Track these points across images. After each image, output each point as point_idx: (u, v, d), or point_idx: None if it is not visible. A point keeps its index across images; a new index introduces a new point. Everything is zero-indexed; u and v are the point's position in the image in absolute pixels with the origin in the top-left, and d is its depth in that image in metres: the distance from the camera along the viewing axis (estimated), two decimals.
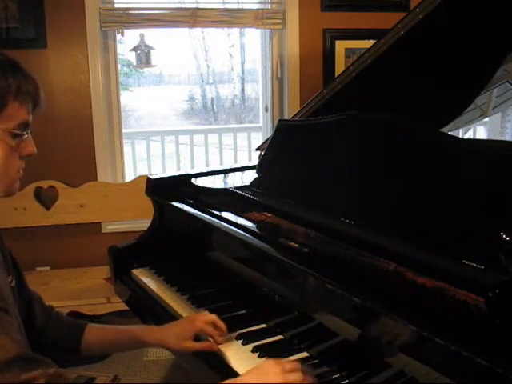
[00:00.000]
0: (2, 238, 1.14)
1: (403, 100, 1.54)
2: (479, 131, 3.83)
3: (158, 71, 9.55)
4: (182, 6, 2.93)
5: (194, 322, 1.25)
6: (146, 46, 3.08)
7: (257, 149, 2.06)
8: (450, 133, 1.78)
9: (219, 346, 1.23)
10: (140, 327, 1.32)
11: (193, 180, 1.87)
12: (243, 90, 9.01)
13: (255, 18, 2.90)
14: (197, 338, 1.25)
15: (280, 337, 1.25)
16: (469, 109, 1.78)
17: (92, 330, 1.28)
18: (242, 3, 3.05)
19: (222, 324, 1.25)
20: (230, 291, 1.48)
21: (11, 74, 0.94)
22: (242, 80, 8.85)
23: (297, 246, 1.25)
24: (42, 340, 1.23)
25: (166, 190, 1.81)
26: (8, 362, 0.79)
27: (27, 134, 1.00)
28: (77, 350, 1.26)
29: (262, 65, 3.15)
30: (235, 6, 3.04)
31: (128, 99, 8.10)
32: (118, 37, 2.86)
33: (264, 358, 1.16)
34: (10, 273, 1.10)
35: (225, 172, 2.05)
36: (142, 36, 3.07)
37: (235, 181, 1.97)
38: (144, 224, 1.94)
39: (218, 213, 1.56)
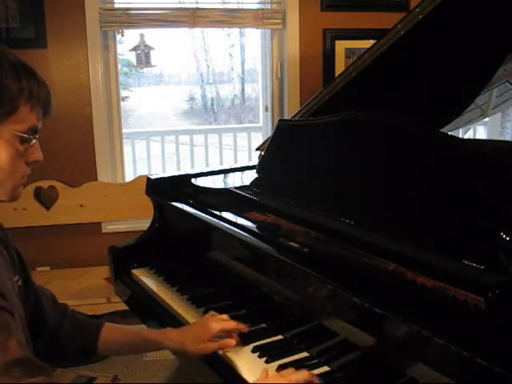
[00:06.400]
0: (9, 237, 1.13)
1: (403, 100, 1.54)
2: (479, 131, 3.83)
3: (158, 71, 9.55)
4: (182, 5, 2.93)
5: (209, 325, 1.21)
6: (146, 46, 3.08)
7: (257, 149, 2.06)
8: (449, 133, 1.78)
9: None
10: (157, 330, 1.30)
11: (193, 180, 1.87)
12: (243, 90, 9.01)
13: (255, 17, 2.89)
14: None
15: (280, 337, 1.25)
16: (469, 109, 1.78)
17: (109, 330, 1.26)
18: (242, 3, 3.05)
19: (243, 328, 1.23)
20: (230, 291, 1.48)
21: (25, 78, 0.94)
22: (242, 80, 8.85)
23: (297, 245, 1.25)
24: (56, 338, 1.22)
25: (166, 190, 1.81)
26: (9, 364, 0.79)
27: (35, 139, 1.00)
28: (93, 350, 1.24)
29: (262, 65, 3.15)
30: (235, 6, 3.04)
31: (128, 99, 8.11)
32: (118, 37, 2.86)
33: (264, 358, 1.16)
34: (16, 272, 1.10)
35: (225, 172, 2.05)
36: (141, 36, 3.07)
37: (235, 181, 1.97)
38: (144, 224, 1.94)
39: (217, 213, 1.56)
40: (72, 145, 2.80)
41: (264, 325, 1.30)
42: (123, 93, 10.15)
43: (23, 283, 1.13)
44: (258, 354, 1.18)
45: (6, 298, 0.90)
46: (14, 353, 0.80)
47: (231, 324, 1.22)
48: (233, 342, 1.19)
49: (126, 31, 2.81)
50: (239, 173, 2.04)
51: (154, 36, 3.24)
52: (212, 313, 1.31)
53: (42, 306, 1.21)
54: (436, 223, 1.12)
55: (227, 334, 1.21)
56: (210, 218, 1.53)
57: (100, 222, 2.90)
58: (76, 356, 1.28)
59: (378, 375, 1.01)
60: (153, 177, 1.88)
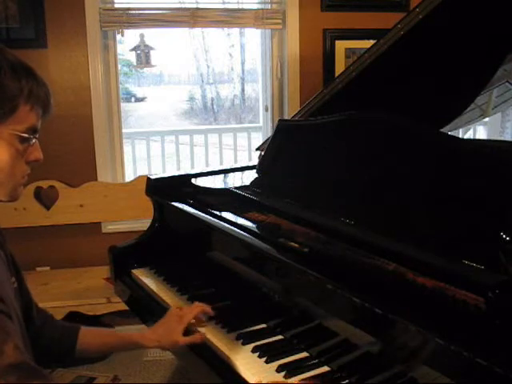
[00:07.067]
0: (5, 239, 1.13)
1: (403, 100, 1.54)
2: (479, 131, 3.83)
3: (158, 71, 9.57)
4: (182, 5, 2.93)
5: (182, 318, 1.29)
6: (146, 46, 3.08)
7: (257, 149, 2.06)
8: (450, 133, 1.78)
9: (219, 346, 1.23)
10: (133, 332, 1.35)
11: (193, 180, 1.87)
12: (243, 90, 9.02)
13: (255, 17, 2.89)
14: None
15: (280, 337, 1.25)
16: (469, 109, 1.78)
17: (86, 334, 1.28)
18: (242, 3, 3.04)
19: (208, 309, 1.33)
20: (229, 291, 1.48)
21: (24, 78, 0.94)
22: (242, 80, 8.86)
23: (297, 245, 1.25)
24: (37, 341, 1.22)
25: (166, 190, 1.81)
26: (6, 369, 0.79)
27: (35, 138, 0.99)
28: (71, 353, 1.27)
29: (261, 65, 3.14)
30: (235, 6, 3.03)
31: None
32: (118, 37, 2.86)
33: (264, 358, 1.16)
34: (12, 274, 1.10)
35: (225, 172, 2.05)
36: (142, 36, 3.07)
37: (235, 181, 1.97)
38: (144, 224, 1.94)
39: (218, 213, 1.56)
40: (72, 145, 2.80)
41: (264, 325, 1.30)
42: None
43: (18, 285, 1.13)
44: (258, 353, 1.18)
45: (5, 300, 0.90)
46: (10, 357, 0.80)
47: (199, 308, 1.32)
48: (203, 336, 1.27)
49: (126, 31, 2.81)
50: (239, 173, 2.04)
51: (154, 36, 3.24)
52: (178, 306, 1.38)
53: (32, 308, 1.22)
54: (436, 223, 1.12)
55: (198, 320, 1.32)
56: (210, 217, 1.53)
57: (100, 222, 2.90)
58: (54, 359, 1.30)
59: (377, 375, 1.01)
60: (153, 177, 1.88)
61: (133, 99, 10.02)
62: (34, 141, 0.99)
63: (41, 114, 0.99)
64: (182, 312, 1.31)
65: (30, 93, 0.95)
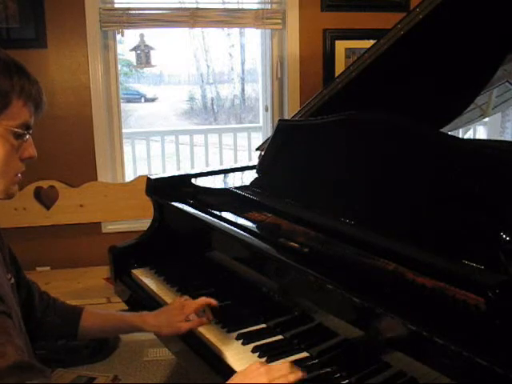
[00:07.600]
0: (3, 240, 1.13)
1: (403, 100, 1.54)
2: (479, 131, 3.83)
3: (158, 71, 9.58)
4: (182, 5, 2.93)
5: (183, 307, 1.30)
6: (146, 46, 3.09)
7: (257, 149, 2.06)
8: (450, 133, 1.78)
9: (219, 346, 1.23)
10: (135, 314, 1.37)
11: (193, 180, 1.87)
12: (243, 90, 9.03)
13: (255, 17, 2.89)
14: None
15: (280, 337, 1.25)
16: (469, 109, 1.78)
17: (89, 316, 1.32)
18: (242, 3, 3.04)
19: (213, 301, 1.32)
20: (229, 291, 1.48)
21: (16, 75, 0.95)
22: (242, 80, 8.87)
23: (297, 245, 1.25)
24: (41, 327, 1.25)
25: (166, 190, 1.82)
26: (7, 369, 0.79)
27: (29, 134, 1.00)
28: (74, 335, 1.30)
29: (261, 65, 3.15)
30: (235, 6, 3.03)
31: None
32: (118, 37, 2.86)
33: (264, 358, 1.16)
34: (9, 271, 1.11)
35: (225, 172, 2.05)
36: (141, 36, 3.07)
37: (235, 181, 1.97)
38: (144, 224, 1.94)
39: (218, 213, 1.56)
40: (72, 145, 2.80)
41: (264, 325, 1.31)
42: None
43: (15, 279, 1.14)
44: (258, 353, 1.18)
45: (5, 300, 0.90)
46: (12, 356, 0.81)
47: (202, 300, 1.32)
48: (204, 320, 1.29)
49: (126, 31, 2.81)
50: (239, 173, 2.04)
51: (154, 36, 3.24)
52: (186, 297, 1.37)
53: (33, 299, 1.25)
54: (436, 223, 1.12)
55: (200, 314, 1.31)
56: (210, 217, 1.53)
57: (100, 222, 2.90)
58: (57, 340, 1.34)
59: (377, 375, 1.01)
60: (153, 177, 1.88)
61: (142, 99, 10.05)
62: (27, 137, 1.00)
63: (33, 111, 1.00)
64: (184, 302, 1.32)
65: (22, 89, 0.96)
